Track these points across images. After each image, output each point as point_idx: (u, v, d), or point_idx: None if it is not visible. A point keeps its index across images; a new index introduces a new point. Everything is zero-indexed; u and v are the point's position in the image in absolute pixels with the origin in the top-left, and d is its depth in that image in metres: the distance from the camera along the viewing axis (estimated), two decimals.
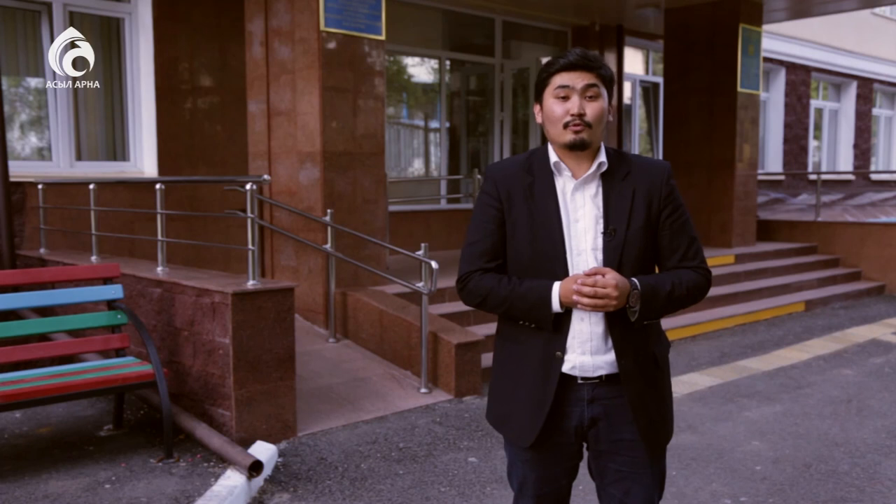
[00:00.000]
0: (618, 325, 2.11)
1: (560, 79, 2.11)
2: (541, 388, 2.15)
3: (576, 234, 2.13)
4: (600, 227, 2.12)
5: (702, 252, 2.22)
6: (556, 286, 2.08)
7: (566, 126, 2.09)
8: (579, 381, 2.15)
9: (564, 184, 2.16)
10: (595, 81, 2.10)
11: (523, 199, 2.16)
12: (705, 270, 2.21)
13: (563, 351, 2.13)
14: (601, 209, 2.13)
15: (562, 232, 2.11)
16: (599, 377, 2.14)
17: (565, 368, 2.14)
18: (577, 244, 2.12)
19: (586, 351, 2.13)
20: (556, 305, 2.08)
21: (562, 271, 2.11)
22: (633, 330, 2.12)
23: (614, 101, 2.21)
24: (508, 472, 2.37)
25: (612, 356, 2.13)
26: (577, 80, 2.09)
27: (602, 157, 2.14)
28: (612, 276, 2.01)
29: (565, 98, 2.10)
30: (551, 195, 2.14)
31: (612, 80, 2.15)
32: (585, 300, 2.01)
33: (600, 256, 2.11)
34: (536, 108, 2.21)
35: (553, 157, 2.16)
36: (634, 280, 2.07)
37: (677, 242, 2.17)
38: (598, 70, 2.11)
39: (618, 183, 2.14)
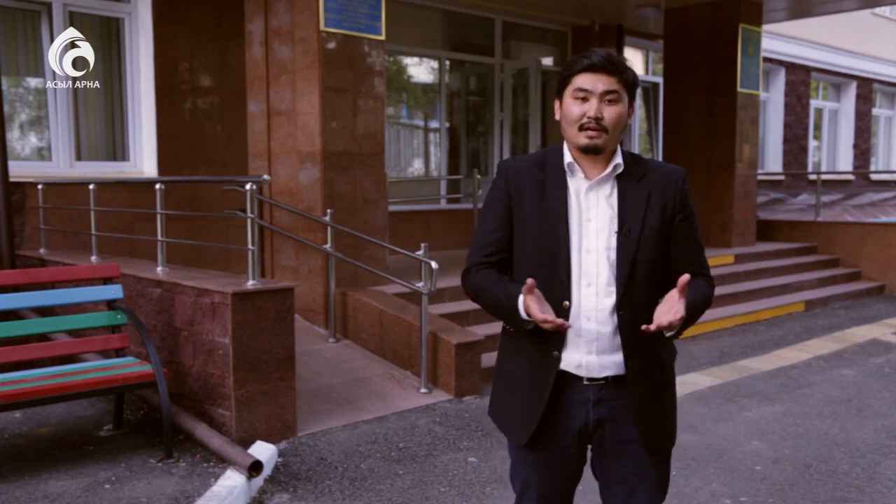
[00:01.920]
0: (627, 327, 2.11)
1: (581, 80, 2.09)
2: (537, 386, 2.16)
3: (587, 233, 2.12)
4: (614, 227, 2.11)
5: (706, 261, 2.27)
6: (521, 300, 2.04)
7: (581, 128, 2.08)
8: (585, 382, 2.14)
9: (578, 184, 2.15)
10: (616, 87, 2.08)
11: (534, 196, 2.16)
12: (712, 280, 2.27)
13: (560, 351, 2.13)
14: (615, 209, 2.12)
15: (567, 231, 2.11)
16: (605, 378, 2.14)
17: (570, 367, 2.14)
18: (587, 243, 2.12)
19: (592, 350, 2.12)
20: (523, 314, 2.05)
21: (564, 270, 2.11)
22: (641, 332, 2.10)
23: (635, 104, 2.20)
24: (511, 475, 2.37)
25: (619, 357, 2.12)
26: (597, 83, 2.07)
27: (618, 160, 2.13)
28: (683, 307, 1.99)
29: (584, 100, 2.09)
30: (561, 194, 2.14)
31: (634, 84, 2.13)
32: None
33: (613, 256, 2.10)
34: (557, 105, 2.19)
35: (567, 157, 2.16)
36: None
37: (687, 250, 2.20)
38: (620, 74, 2.09)
39: (634, 185, 2.14)
